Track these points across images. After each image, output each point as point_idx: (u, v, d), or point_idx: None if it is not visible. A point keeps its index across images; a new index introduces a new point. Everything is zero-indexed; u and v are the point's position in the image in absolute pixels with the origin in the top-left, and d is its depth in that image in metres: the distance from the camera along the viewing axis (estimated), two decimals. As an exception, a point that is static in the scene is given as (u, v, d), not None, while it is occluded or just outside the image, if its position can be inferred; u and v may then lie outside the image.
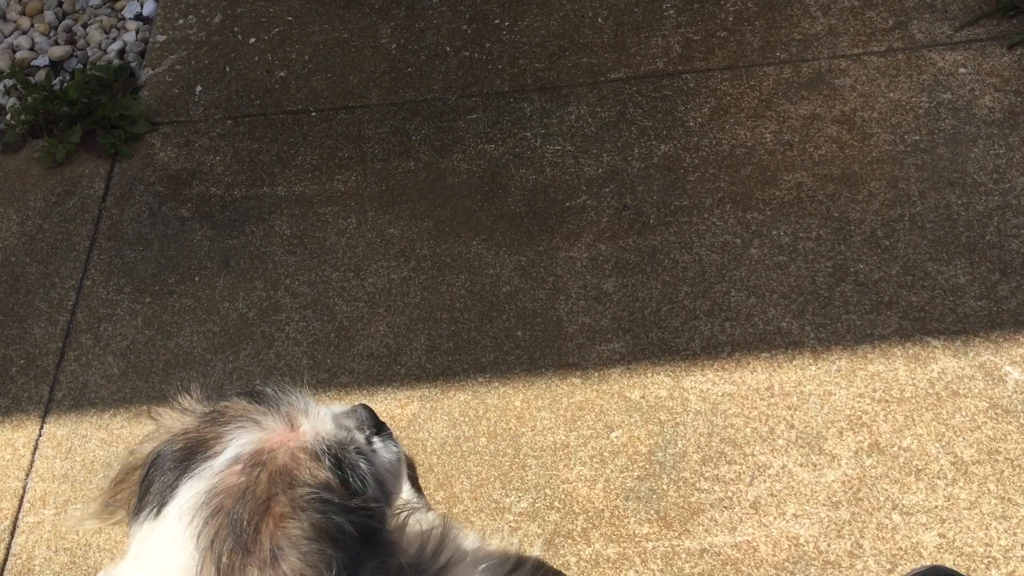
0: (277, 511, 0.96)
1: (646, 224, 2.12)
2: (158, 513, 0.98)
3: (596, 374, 1.93)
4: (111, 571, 1.02)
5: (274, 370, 2.02)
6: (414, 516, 1.15)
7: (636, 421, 1.86)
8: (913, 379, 1.84)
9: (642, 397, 1.89)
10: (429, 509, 1.78)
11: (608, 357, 1.95)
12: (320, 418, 1.08)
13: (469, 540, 1.64)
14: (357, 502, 1.02)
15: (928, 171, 2.10)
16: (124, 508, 1.09)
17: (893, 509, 1.70)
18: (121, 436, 1.98)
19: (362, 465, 1.08)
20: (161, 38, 2.70)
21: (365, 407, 1.20)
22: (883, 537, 1.67)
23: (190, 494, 0.97)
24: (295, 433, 1.04)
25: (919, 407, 1.80)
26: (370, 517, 1.04)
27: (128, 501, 1.07)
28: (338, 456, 1.05)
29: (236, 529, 0.94)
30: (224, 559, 0.93)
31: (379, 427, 1.19)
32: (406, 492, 1.77)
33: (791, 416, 1.83)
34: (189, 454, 1.01)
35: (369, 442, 1.16)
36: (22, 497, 1.94)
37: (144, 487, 1.02)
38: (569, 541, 1.74)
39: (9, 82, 2.68)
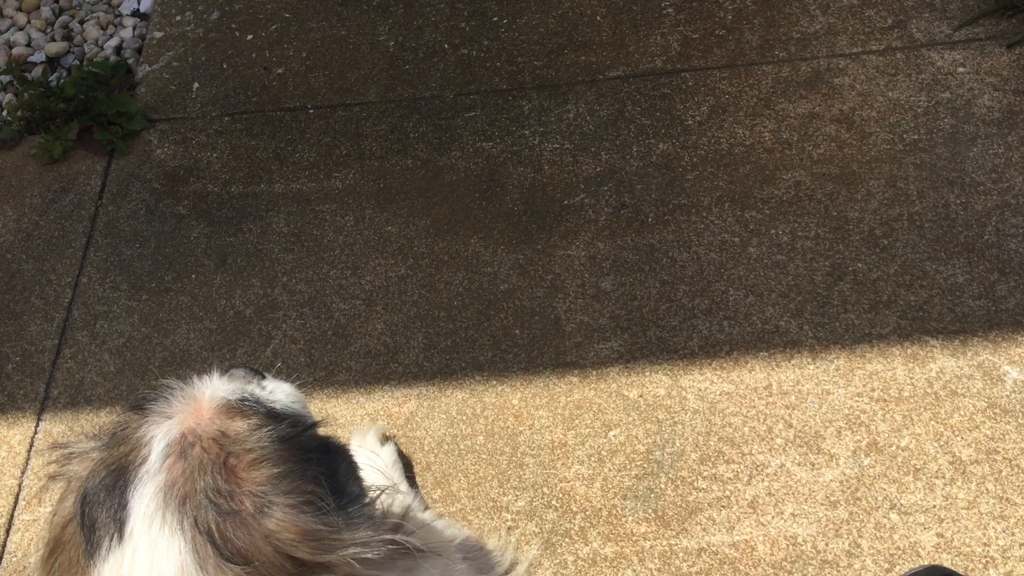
0: (239, 465, 0.95)
1: (644, 223, 2.12)
2: (121, 536, 0.95)
3: (594, 373, 1.92)
4: None
5: (271, 368, 2.01)
6: (388, 499, 1.13)
7: (634, 420, 1.86)
8: (911, 378, 1.84)
9: (640, 396, 1.88)
10: (426, 508, 1.78)
11: (606, 356, 1.94)
12: (214, 384, 1.09)
13: (449, 529, 1.64)
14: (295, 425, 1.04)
15: (927, 170, 2.10)
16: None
17: (891, 509, 1.70)
18: (117, 434, 1.97)
19: (274, 402, 1.11)
20: (158, 34, 2.69)
21: (237, 367, 1.21)
22: (881, 537, 1.67)
23: (145, 501, 0.95)
24: (203, 403, 1.03)
25: (917, 406, 1.80)
26: (314, 432, 1.06)
27: (71, 567, 1.03)
28: (254, 398, 1.07)
29: (211, 500, 0.93)
30: (215, 531, 0.91)
31: (260, 374, 1.21)
32: (403, 489, 1.77)
33: (789, 415, 1.82)
34: (119, 474, 0.98)
35: (262, 387, 1.18)
36: (18, 495, 1.93)
37: (88, 528, 0.98)
38: (567, 540, 1.74)
39: (5, 78, 2.66)
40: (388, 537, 0.97)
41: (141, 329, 2.12)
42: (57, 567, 1.05)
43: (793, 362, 1.89)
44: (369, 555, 0.94)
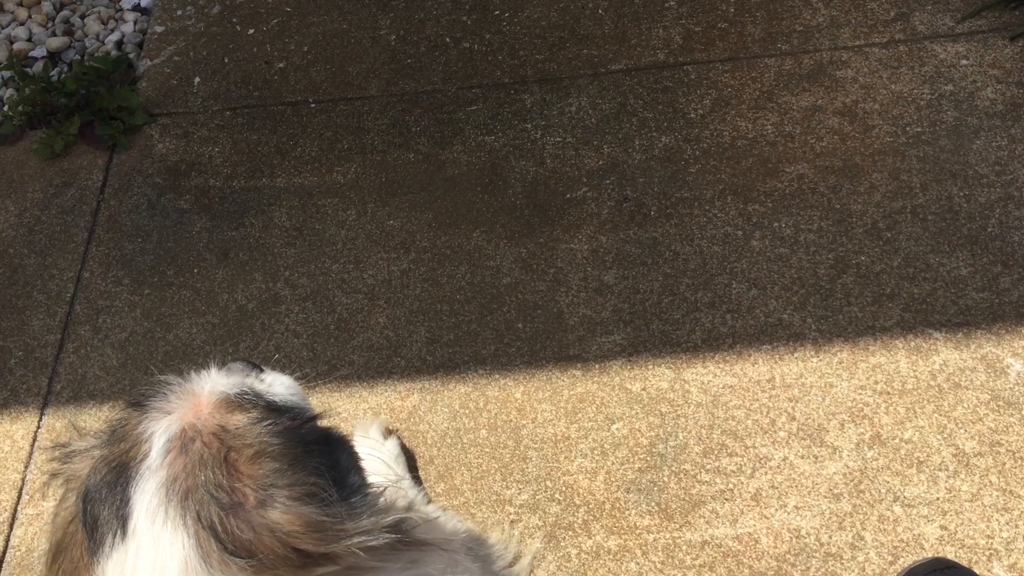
0: (240, 459, 0.95)
1: (647, 216, 2.12)
2: (124, 532, 0.95)
3: (597, 366, 1.92)
4: None
5: (273, 362, 2.01)
6: (391, 493, 1.14)
7: (637, 413, 1.85)
8: (915, 371, 1.83)
9: (643, 389, 1.88)
10: (429, 501, 1.78)
11: (609, 349, 1.94)
12: (213, 378, 1.08)
13: (452, 523, 1.64)
14: (295, 418, 1.04)
15: (930, 163, 2.09)
16: None
17: (895, 501, 1.70)
18: (120, 428, 1.97)
19: (273, 395, 1.11)
20: (159, 29, 2.68)
21: (235, 360, 1.21)
22: (885, 529, 1.67)
23: (147, 497, 0.95)
24: (202, 398, 1.03)
25: (921, 399, 1.80)
26: (314, 425, 1.07)
27: (75, 566, 1.02)
28: (253, 392, 1.06)
29: (213, 494, 0.93)
30: (219, 525, 0.91)
31: (258, 367, 1.21)
32: (406, 484, 1.77)
33: (792, 408, 1.82)
34: (120, 470, 0.98)
35: (261, 380, 1.18)
36: (21, 489, 1.93)
37: (90, 526, 0.98)
38: (570, 533, 1.74)
39: (7, 73, 2.66)
40: (392, 524, 0.97)
41: (143, 323, 2.12)
42: (62, 566, 1.04)
43: (796, 355, 1.88)
44: (373, 543, 0.94)
